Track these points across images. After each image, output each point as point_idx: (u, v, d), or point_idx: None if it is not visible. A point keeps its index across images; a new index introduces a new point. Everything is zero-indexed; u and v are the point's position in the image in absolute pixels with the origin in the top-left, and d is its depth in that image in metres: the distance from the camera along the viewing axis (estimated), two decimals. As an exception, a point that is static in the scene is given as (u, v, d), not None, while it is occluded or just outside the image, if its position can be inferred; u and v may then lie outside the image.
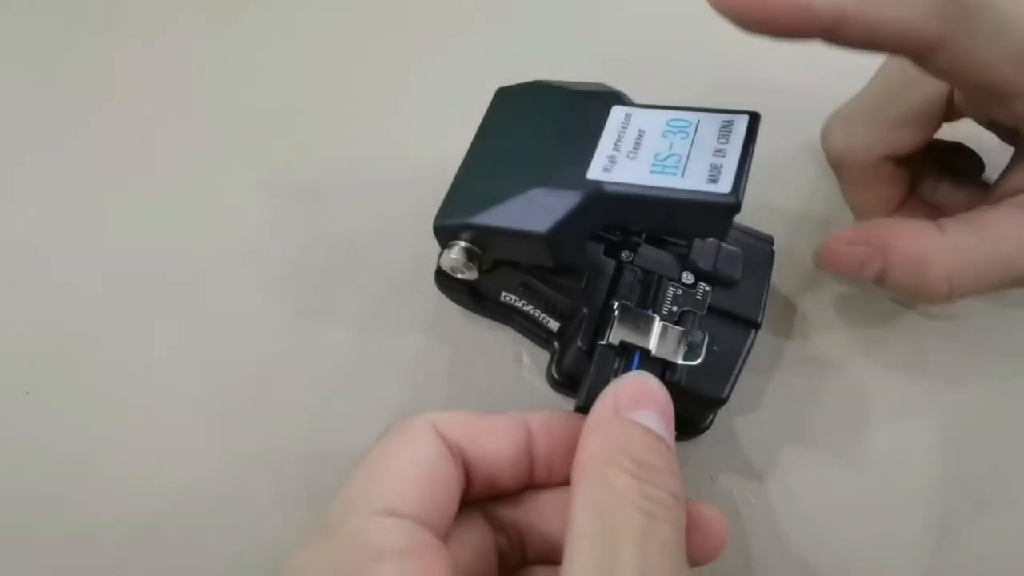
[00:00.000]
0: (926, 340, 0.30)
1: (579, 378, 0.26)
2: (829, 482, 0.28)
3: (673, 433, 0.21)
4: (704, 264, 0.26)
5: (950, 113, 0.27)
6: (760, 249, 0.28)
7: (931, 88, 0.27)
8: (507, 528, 0.21)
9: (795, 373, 0.30)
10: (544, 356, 0.29)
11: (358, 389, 0.29)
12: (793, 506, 0.27)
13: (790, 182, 0.34)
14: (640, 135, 0.24)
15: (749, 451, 0.28)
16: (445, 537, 0.19)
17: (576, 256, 0.25)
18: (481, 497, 0.21)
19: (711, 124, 0.23)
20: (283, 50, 0.39)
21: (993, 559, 0.27)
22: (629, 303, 0.25)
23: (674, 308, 0.26)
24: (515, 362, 0.30)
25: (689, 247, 0.27)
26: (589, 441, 0.20)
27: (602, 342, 0.24)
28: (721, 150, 0.22)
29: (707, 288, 0.26)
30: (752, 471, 0.28)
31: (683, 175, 0.22)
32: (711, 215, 0.22)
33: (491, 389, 0.29)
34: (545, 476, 0.22)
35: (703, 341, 0.24)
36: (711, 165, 0.22)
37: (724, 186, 0.21)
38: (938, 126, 0.28)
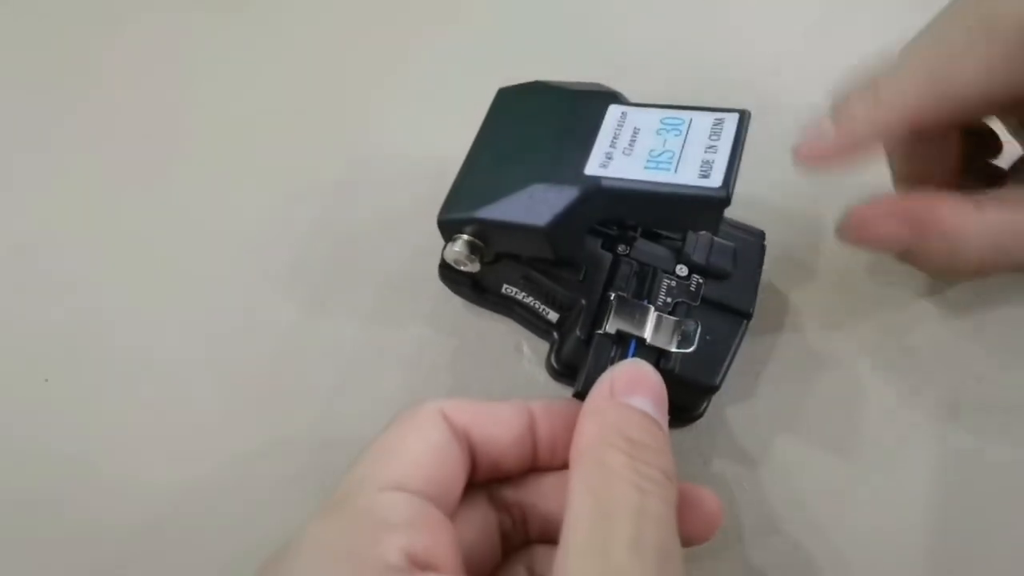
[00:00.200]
0: (918, 332, 0.31)
1: (577, 367, 0.27)
2: (819, 468, 0.29)
3: (667, 417, 0.22)
4: (698, 257, 0.28)
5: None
6: (752, 243, 0.29)
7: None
8: (510, 509, 0.22)
9: (786, 363, 0.31)
10: (544, 346, 0.30)
11: (364, 380, 0.30)
12: (784, 491, 0.28)
13: (781, 178, 0.35)
14: (635, 133, 0.25)
15: (741, 438, 0.29)
16: (451, 516, 0.20)
17: (574, 249, 0.26)
18: (486, 479, 0.22)
19: (703, 122, 0.24)
20: (287, 49, 0.40)
21: (983, 546, 0.28)
22: (625, 294, 0.26)
23: (668, 299, 0.27)
24: (516, 352, 0.31)
25: (683, 241, 0.28)
26: (586, 424, 0.21)
27: (599, 331, 0.26)
28: (712, 146, 0.23)
29: (700, 280, 0.27)
30: (744, 457, 0.29)
31: (676, 170, 0.23)
32: (703, 208, 0.23)
33: (493, 378, 0.30)
34: (547, 459, 0.23)
35: (696, 330, 0.25)
36: (703, 161, 0.23)
37: (715, 181, 0.22)
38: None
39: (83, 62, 0.39)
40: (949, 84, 0.23)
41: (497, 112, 0.28)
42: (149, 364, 0.31)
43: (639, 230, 0.28)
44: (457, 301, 0.32)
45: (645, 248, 0.28)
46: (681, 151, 0.24)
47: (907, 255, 0.26)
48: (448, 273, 0.30)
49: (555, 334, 0.30)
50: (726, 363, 0.27)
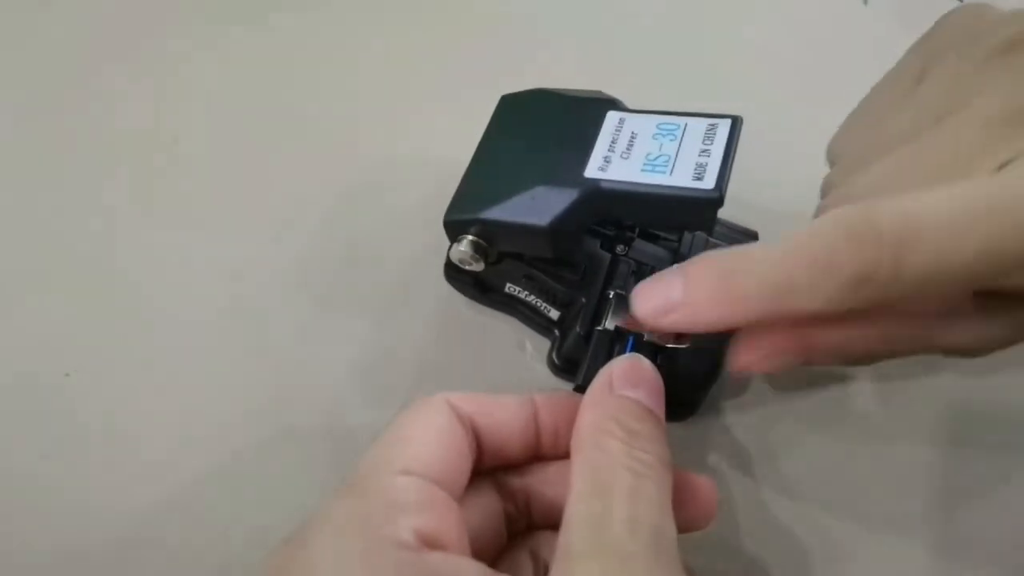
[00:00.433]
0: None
1: (578, 362, 0.29)
2: (811, 458, 0.30)
3: (663, 408, 0.23)
4: (693, 256, 0.29)
5: None
6: (745, 243, 0.30)
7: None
8: (515, 495, 0.23)
9: (779, 359, 0.32)
10: (545, 344, 0.32)
11: (372, 376, 0.31)
12: (778, 481, 0.29)
13: (773, 181, 0.36)
14: (633, 137, 0.26)
15: (736, 431, 0.30)
16: (459, 500, 0.21)
17: (575, 248, 0.28)
18: (491, 467, 0.23)
19: (697, 127, 0.25)
20: (301, 59, 0.41)
21: (977, 529, 0.28)
22: (624, 292, 0.28)
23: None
24: (518, 349, 0.32)
25: (679, 241, 0.29)
26: (586, 414, 0.22)
27: (599, 328, 0.27)
28: (706, 150, 0.25)
29: None
30: (739, 449, 0.30)
31: (671, 173, 0.24)
32: (697, 209, 0.24)
33: (497, 374, 0.31)
34: (550, 449, 0.24)
35: None
36: (697, 164, 0.24)
37: (708, 183, 0.24)
38: None
39: (111, 67, 0.41)
40: (787, 308, 0.20)
41: (501, 118, 0.29)
42: (166, 359, 0.32)
43: (637, 231, 0.29)
44: (462, 300, 0.33)
45: (643, 248, 0.29)
46: (676, 155, 0.25)
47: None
48: (453, 273, 0.31)
49: (556, 331, 0.31)
50: (722, 357, 0.28)
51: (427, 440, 0.21)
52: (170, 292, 0.33)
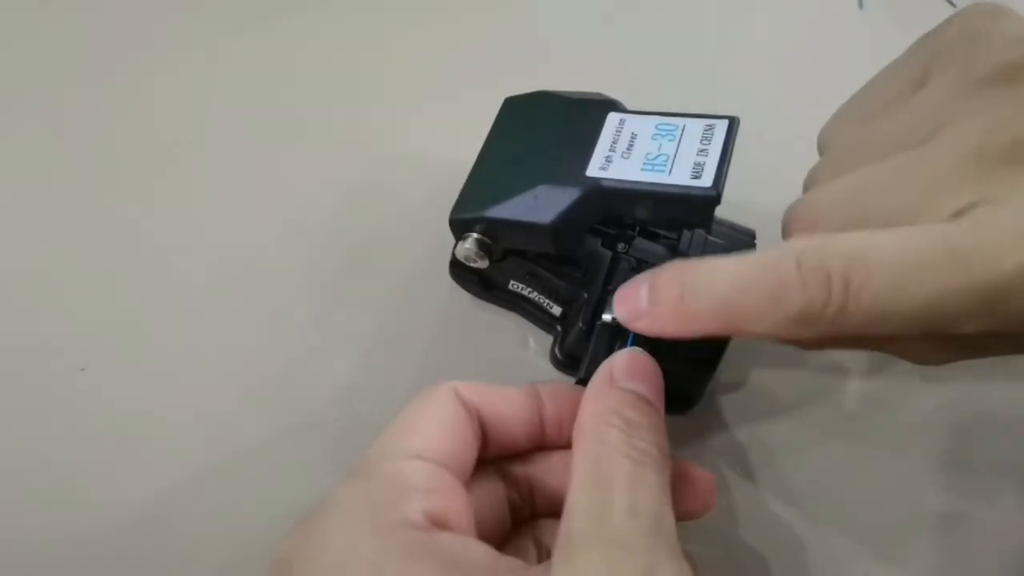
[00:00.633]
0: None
1: (579, 357, 0.29)
2: (807, 452, 0.31)
3: (662, 401, 0.24)
4: (692, 254, 0.29)
5: None
6: (743, 242, 0.31)
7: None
8: (519, 483, 0.24)
9: (774, 354, 0.32)
10: (548, 340, 0.32)
11: (379, 371, 0.32)
12: (773, 473, 0.30)
13: (770, 180, 0.37)
14: (633, 138, 0.27)
15: (733, 425, 0.31)
16: (465, 487, 0.22)
17: (576, 245, 0.28)
18: (496, 455, 0.24)
19: (695, 128, 0.26)
20: (311, 61, 0.42)
21: (971, 522, 0.29)
22: None
23: None
24: (521, 345, 0.33)
25: (678, 239, 0.30)
26: (588, 406, 0.23)
27: (600, 321, 0.27)
28: (704, 150, 0.25)
29: None
30: (736, 442, 0.31)
31: (670, 172, 0.25)
32: (695, 207, 0.25)
33: (500, 369, 0.32)
34: (554, 439, 0.24)
35: None
36: (695, 163, 0.25)
37: (706, 181, 0.24)
38: None
39: (116, 69, 0.41)
40: (737, 330, 0.20)
41: (504, 119, 0.30)
42: (177, 355, 0.33)
43: (637, 229, 0.30)
44: (466, 297, 0.33)
45: (643, 246, 0.30)
46: (675, 154, 0.26)
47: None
48: (458, 270, 0.32)
49: (558, 327, 0.32)
50: (719, 351, 0.28)
51: (434, 427, 0.21)
52: (180, 291, 0.34)
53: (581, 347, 0.29)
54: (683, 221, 0.28)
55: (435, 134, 0.38)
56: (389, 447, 0.21)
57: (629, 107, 0.28)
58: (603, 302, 0.28)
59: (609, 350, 0.27)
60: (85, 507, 0.29)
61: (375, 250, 0.35)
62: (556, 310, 0.31)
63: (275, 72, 0.41)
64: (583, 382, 0.25)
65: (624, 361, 0.24)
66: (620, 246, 0.30)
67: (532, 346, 0.33)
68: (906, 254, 0.18)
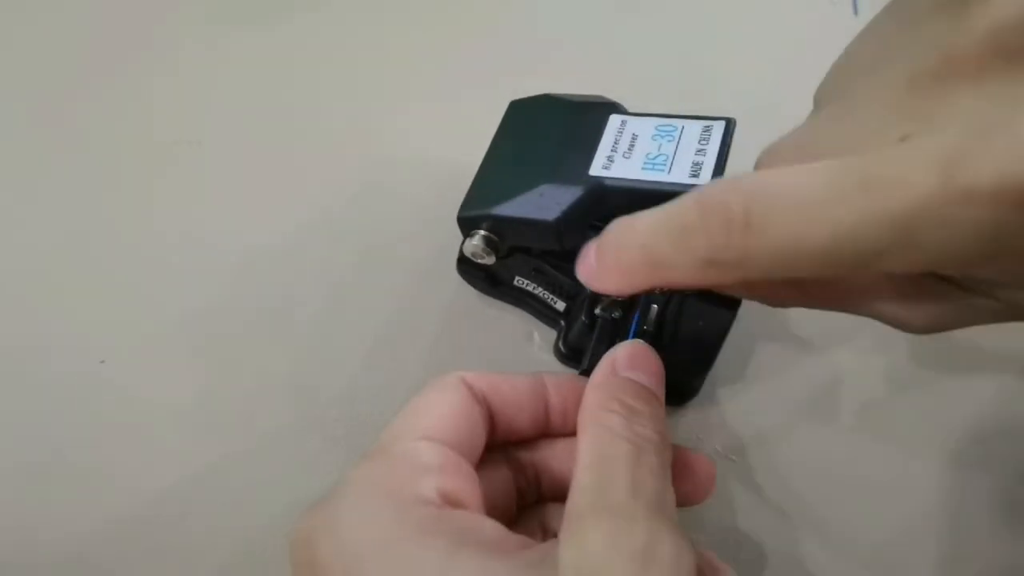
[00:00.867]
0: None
1: (582, 350, 0.30)
2: (802, 442, 0.31)
3: (663, 390, 0.25)
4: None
5: None
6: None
7: None
8: (525, 469, 0.25)
9: (771, 347, 0.34)
10: (552, 334, 0.33)
11: (389, 365, 0.33)
12: (769, 463, 0.31)
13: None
14: (634, 139, 0.28)
15: (731, 415, 0.32)
16: (474, 470, 0.23)
17: (580, 241, 0.29)
18: (503, 442, 0.25)
19: (693, 128, 0.27)
20: (314, 58, 0.43)
21: (963, 516, 0.30)
22: None
23: (664, 289, 0.30)
24: (526, 340, 0.34)
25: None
26: (591, 394, 0.24)
27: (601, 312, 0.28)
28: (702, 150, 0.26)
29: None
30: (734, 432, 0.32)
31: (669, 171, 0.26)
32: (693, 204, 0.26)
33: (506, 363, 0.33)
34: (559, 426, 0.25)
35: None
36: (693, 162, 0.26)
37: (704, 179, 0.25)
38: None
39: (112, 68, 0.43)
40: (664, 280, 0.20)
41: (509, 122, 0.31)
42: (193, 349, 0.34)
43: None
44: (473, 293, 0.35)
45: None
46: (674, 154, 0.27)
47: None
48: (465, 267, 0.33)
49: (562, 322, 0.33)
50: (716, 345, 0.30)
51: (445, 412, 0.22)
52: (195, 287, 0.35)
53: (584, 340, 0.30)
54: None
55: (439, 134, 0.40)
56: (402, 429, 0.22)
57: (630, 109, 0.30)
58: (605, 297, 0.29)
59: (611, 343, 0.28)
60: (102, 497, 0.30)
61: (383, 248, 0.36)
62: (560, 305, 0.32)
63: (277, 72, 0.43)
64: (586, 373, 0.26)
65: (626, 352, 0.25)
66: (622, 243, 0.31)
67: (536, 340, 0.34)
68: (812, 187, 0.17)
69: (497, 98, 0.32)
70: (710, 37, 0.45)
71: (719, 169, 0.26)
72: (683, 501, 0.24)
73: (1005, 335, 0.32)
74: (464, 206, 0.29)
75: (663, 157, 0.27)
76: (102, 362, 0.33)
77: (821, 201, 0.16)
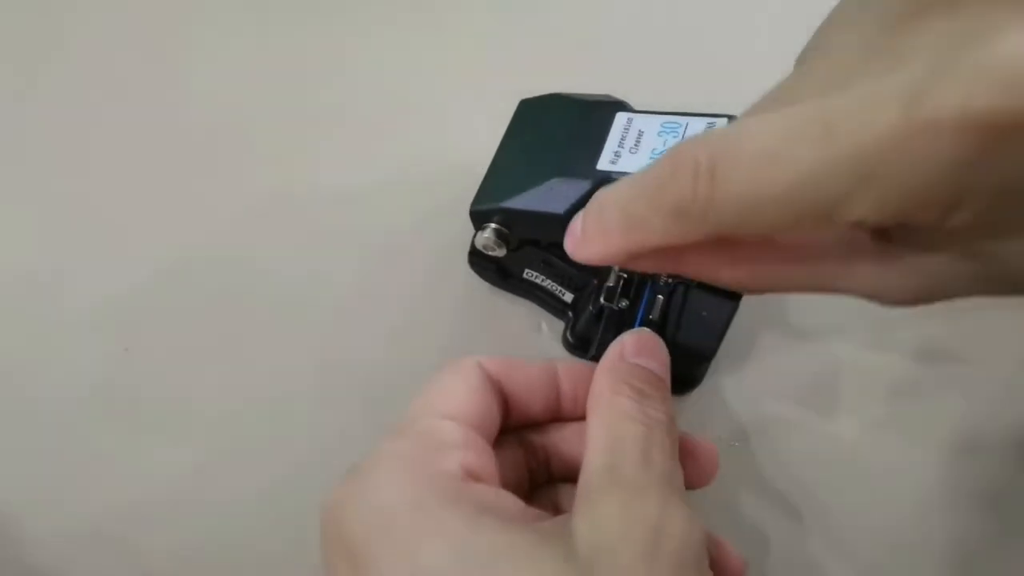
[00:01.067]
0: (896, 312, 0.35)
1: (589, 339, 0.31)
2: (802, 430, 0.32)
3: (669, 376, 0.26)
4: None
5: None
6: None
7: None
8: (537, 451, 0.26)
9: (773, 337, 0.34)
10: (560, 325, 0.34)
11: (402, 355, 0.34)
12: (771, 450, 0.32)
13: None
14: (640, 135, 0.29)
15: (733, 404, 0.33)
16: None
17: (588, 234, 0.30)
18: (516, 425, 0.26)
19: (697, 125, 0.28)
20: (347, 60, 0.44)
21: (961, 502, 0.31)
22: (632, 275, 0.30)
23: (669, 279, 0.31)
24: (535, 330, 0.35)
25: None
26: (601, 378, 0.25)
27: (606, 301, 0.30)
28: (705, 146, 0.28)
29: None
30: (736, 420, 0.33)
31: (675, 166, 0.27)
32: (697, 197, 0.27)
33: (516, 353, 0.33)
34: (570, 411, 0.26)
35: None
36: (697, 157, 0.27)
37: (707, 174, 0.27)
38: None
39: (113, 67, 0.44)
40: (641, 242, 0.20)
41: (519, 120, 0.32)
42: (216, 338, 0.35)
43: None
44: (484, 286, 0.36)
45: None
46: (679, 150, 0.28)
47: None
48: (477, 260, 0.34)
49: (570, 313, 0.34)
50: (720, 335, 0.31)
51: (462, 393, 0.23)
52: (218, 281, 0.37)
53: (591, 330, 0.31)
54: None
55: (453, 133, 0.41)
56: (424, 408, 0.23)
57: (636, 107, 0.31)
58: (612, 287, 0.30)
59: (617, 332, 0.29)
60: (125, 483, 0.32)
61: (399, 242, 0.37)
62: (568, 296, 0.33)
63: (291, 72, 0.44)
64: (594, 360, 0.27)
65: (633, 339, 0.26)
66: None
67: (545, 331, 0.35)
68: (774, 133, 0.16)
69: (508, 97, 0.33)
70: (713, 38, 0.46)
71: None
72: (687, 485, 0.25)
73: (1005, 329, 0.33)
74: (476, 200, 0.30)
75: (668, 153, 0.28)
76: (126, 350, 0.34)
77: (781, 145, 0.16)
